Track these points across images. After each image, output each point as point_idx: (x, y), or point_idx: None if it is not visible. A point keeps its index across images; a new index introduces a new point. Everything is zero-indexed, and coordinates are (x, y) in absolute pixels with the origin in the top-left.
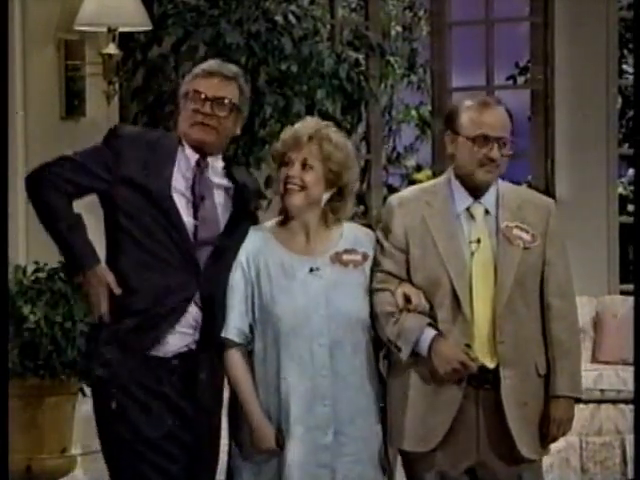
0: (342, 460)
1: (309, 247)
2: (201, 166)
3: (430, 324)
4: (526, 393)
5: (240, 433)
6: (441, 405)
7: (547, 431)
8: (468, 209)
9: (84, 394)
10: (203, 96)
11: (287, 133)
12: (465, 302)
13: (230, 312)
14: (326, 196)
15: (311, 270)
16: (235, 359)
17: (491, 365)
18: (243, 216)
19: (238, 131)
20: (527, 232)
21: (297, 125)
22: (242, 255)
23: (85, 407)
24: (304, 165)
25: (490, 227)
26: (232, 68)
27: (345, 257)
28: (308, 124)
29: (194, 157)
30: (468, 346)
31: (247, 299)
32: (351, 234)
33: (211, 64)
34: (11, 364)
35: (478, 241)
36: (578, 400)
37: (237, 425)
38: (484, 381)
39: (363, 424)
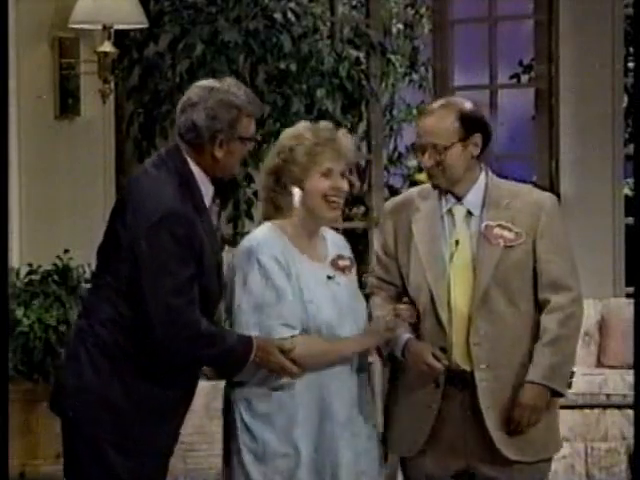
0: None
1: (316, 254)
2: (215, 200)
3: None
4: (507, 396)
5: None
6: (420, 409)
7: (512, 415)
8: (450, 210)
9: None
10: (252, 141)
11: (312, 139)
12: (441, 306)
13: (275, 316)
14: None
15: (328, 277)
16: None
17: (469, 368)
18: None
19: None
20: (510, 230)
21: (326, 132)
22: (270, 259)
23: None
24: (342, 176)
25: (472, 228)
26: (262, 105)
27: (340, 263)
28: (340, 136)
29: (209, 190)
30: (443, 350)
31: (293, 296)
32: (330, 238)
33: (254, 103)
34: None
35: (457, 243)
36: (581, 405)
37: None
38: (464, 384)
39: None
